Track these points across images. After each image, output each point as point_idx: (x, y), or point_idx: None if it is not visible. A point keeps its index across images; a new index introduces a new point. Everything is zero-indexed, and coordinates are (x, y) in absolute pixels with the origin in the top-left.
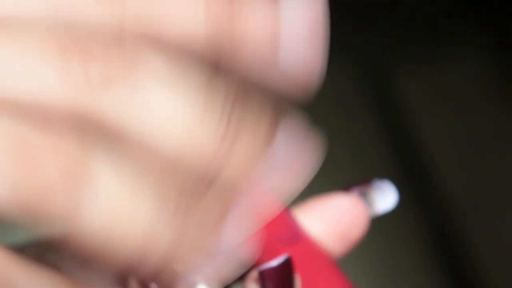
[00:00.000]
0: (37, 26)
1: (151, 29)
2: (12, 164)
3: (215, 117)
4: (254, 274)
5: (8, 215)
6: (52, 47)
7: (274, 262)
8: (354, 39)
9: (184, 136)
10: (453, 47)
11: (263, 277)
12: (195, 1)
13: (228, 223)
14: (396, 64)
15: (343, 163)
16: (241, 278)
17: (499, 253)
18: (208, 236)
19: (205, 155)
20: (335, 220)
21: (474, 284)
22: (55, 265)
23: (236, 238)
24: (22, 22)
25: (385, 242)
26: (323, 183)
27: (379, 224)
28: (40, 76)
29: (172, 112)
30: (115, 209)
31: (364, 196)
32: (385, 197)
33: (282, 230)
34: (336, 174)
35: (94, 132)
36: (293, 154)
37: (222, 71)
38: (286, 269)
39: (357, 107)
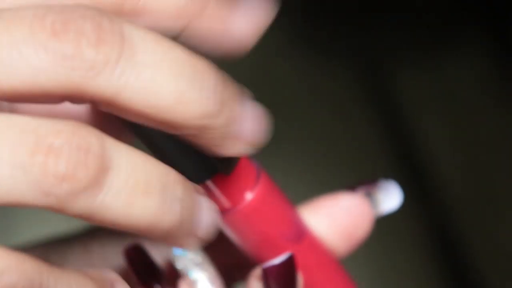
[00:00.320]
0: (26, 9)
1: (126, 6)
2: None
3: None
4: (257, 271)
5: None
6: (43, 30)
7: (277, 260)
8: (354, 40)
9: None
10: (453, 48)
11: (266, 274)
12: None
13: None
14: (396, 65)
15: (342, 163)
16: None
17: (499, 254)
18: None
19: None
20: (341, 219)
21: (474, 285)
22: (60, 266)
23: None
24: (11, 9)
25: (385, 242)
26: (323, 183)
27: (378, 224)
28: (33, 60)
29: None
30: None
31: (370, 195)
32: (390, 197)
33: (286, 227)
34: (336, 174)
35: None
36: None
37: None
38: (289, 267)
39: (357, 107)
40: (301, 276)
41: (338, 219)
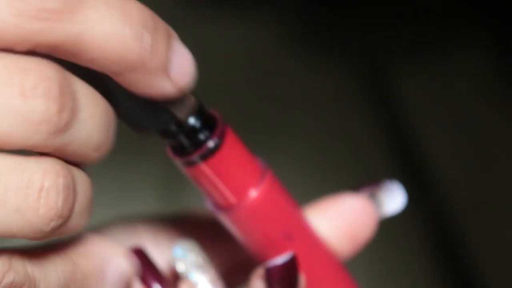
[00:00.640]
0: None
1: None
2: None
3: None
4: (260, 271)
5: None
6: None
7: (280, 260)
8: (354, 40)
9: None
10: (453, 50)
11: (269, 275)
12: None
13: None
14: (396, 66)
15: (342, 163)
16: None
17: (500, 254)
18: None
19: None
20: (345, 220)
21: (474, 285)
22: None
23: None
24: None
25: (384, 242)
26: (323, 183)
27: (378, 224)
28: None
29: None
30: None
31: (373, 197)
32: (394, 199)
33: (289, 226)
34: (336, 174)
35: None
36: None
37: None
38: (292, 267)
39: (357, 107)
40: (303, 276)
41: (342, 220)
